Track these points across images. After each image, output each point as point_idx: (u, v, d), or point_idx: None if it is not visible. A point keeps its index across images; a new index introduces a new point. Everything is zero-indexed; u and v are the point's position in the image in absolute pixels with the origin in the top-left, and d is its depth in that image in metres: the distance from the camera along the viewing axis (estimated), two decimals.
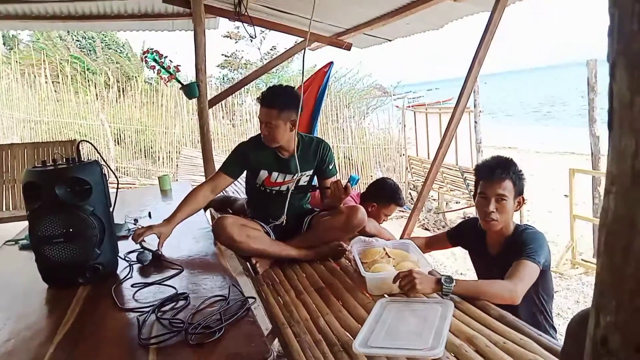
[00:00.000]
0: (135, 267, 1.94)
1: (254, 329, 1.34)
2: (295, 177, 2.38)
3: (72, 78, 11.64)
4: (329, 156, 2.44)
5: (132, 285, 1.72)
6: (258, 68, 6.02)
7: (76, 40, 13.98)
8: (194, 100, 4.34)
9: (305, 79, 4.34)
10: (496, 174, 1.90)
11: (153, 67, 3.95)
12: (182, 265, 1.90)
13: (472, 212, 2.26)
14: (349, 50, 5.16)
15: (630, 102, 0.39)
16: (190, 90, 4.12)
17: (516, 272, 1.72)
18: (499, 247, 1.98)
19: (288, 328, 1.64)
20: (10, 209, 4.26)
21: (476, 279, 2.14)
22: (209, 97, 4.34)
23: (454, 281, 1.67)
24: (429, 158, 9.02)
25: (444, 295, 1.68)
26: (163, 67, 3.93)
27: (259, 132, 2.36)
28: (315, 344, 1.51)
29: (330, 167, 2.45)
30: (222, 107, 11.48)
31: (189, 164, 9.50)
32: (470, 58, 3.46)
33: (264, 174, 2.36)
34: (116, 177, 1.97)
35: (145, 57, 3.92)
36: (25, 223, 1.98)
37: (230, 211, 3.04)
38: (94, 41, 13.92)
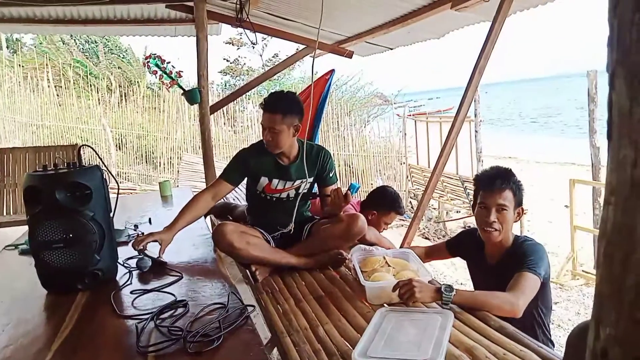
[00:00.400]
0: (135, 273, 1.93)
1: (252, 337, 1.33)
2: (295, 184, 2.38)
3: (74, 82, 11.69)
4: (329, 164, 2.44)
5: (131, 292, 1.72)
6: (260, 75, 6.05)
7: (79, 44, 14.05)
8: (196, 106, 4.36)
9: (306, 87, 4.35)
10: (497, 184, 1.90)
11: (155, 72, 3.97)
12: (182, 272, 1.90)
13: (473, 221, 2.26)
14: (351, 58, 5.18)
15: (629, 111, 0.39)
16: (192, 96, 4.13)
17: (518, 284, 1.70)
18: (498, 258, 1.97)
19: (287, 337, 1.63)
20: (11, 213, 4.26)
21: (473, 290, 2.13)
22: (210, 103, 4.35)
23: (454, 290, 1.67)
24: (429, 167, 9.02)
25: (444, 304, 1.67)
26: (165, 73, 3.94)
27: (261, 138, 2.36)
28: (314, 354, 1.49)
29: (331, 175, 2.45)
30: (223, 113, 11.51)
31: (190, 170, 9.50)
32: (471, 68, 3.47)
33: (264, 180, 2.36)
34: (117, 182, 1.97)
35: (148, 62, 3.94)
36: (25, 228, 1.98)
37: (231, 218, 3.04)
38: (96, 46, 13.99)
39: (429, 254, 2.37)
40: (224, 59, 16.29)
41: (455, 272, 6.01)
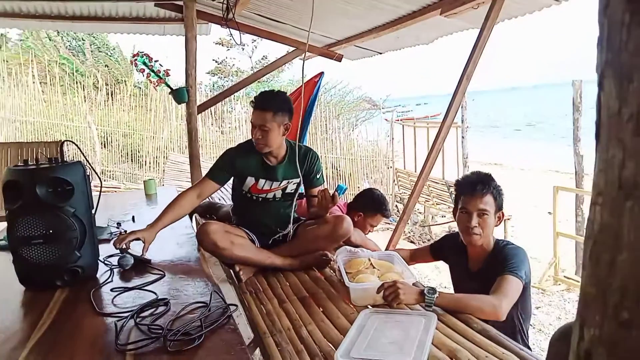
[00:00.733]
0: (116, 271, 1.90)
1: (234, 337, 1.32)
2: (282, 184, 2.37)
3: (60, 79, 11.53)
4: (316, 165, 2.43)
5: (111, 290, 1.69)
6: (249, 75, 6.02)
7: (66, 41, 13.87)
8: (183, 106, 4.32)
9: (295, 89, 4.35)
10: (477, 189, 1.91)
11: (142, 71, 3.93)
12: (164, 270, 1.87)
13: None
14: (340, 61, 5.20)
15: (618, 112, 0.39)
16: (179, 95, 4.10)
17: (500, 287, 1.71)
18: (479, 263, 1.98)
19: (270, 337, 1.62)
20: None
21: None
22: (198, 103, 4.32)
23: (437, 293, 1.67)
24: (415, 171, 9.08)
25: (427, 306, 1.67)
26: (153, 71, 3.90)
27: (249, 138, 2.35)
28: (297, 354, 1.49)
29: (318, 177, 2.44)
30: (211, 113, 11.46)
31: (176, 170, 9.44)
32: (459, 74, 3.50)
33: (250, 180, 2.34)
34: (100, 178, 1.94)
35: (135, 60, 3.90)
36: (4, 223, 1.93)
37: (215, 218, 3.01)
38: (83, 43, 13.83)
39: (414, 257, 2.38)
40: (213, 59, 16.23)
41: (439, 276, 6.04)
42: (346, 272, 1.97)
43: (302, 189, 2.47)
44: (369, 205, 2.84)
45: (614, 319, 0.40)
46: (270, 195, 2.38)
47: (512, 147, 22.44)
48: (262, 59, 15.88)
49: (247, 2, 3.87)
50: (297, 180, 2.40)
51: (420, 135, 9.58)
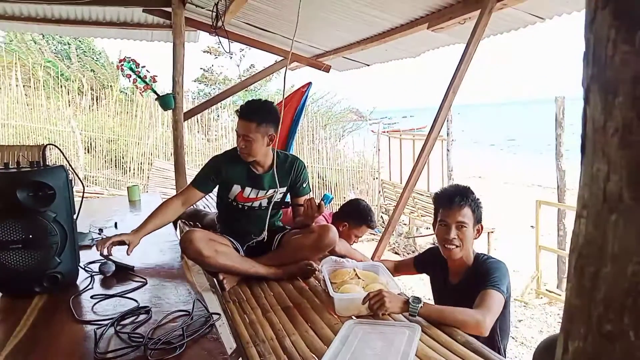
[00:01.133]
0: (97, 278, 1.87)
1: (216, 346, 1.30)
2: (268, 193, 2.36)
3: (44, 83, 11.38)
4: (303, 174, 2.43)
5: (91, 297, 1.66)
6: (236, 84, 6.02)
7: (51, 45, 13.73)
8: (169, 113, 4.29)
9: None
10: (455, 202, 1.93)
11: (129, 76, 3.89)
12: (146, 277, 1.85)
13: None
14: (328, 72, 5.22)
15: (603, 126, 0.39)
16: (165, 102, 4.07)
17: (484, 302, 1.71)
18: (460, 276, 1.98)
19: (252, 347, 1.60)
20: None
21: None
22: (184, 110, 4.30)
23: (422, 302, 1.67)
24: (401, 183, 9.13)
25: (411, 315, 1.67)
26: (139, 77, 3.87)
27: (235, 146, 2.34)
28: None
29: (304, 186, 2.44)
30: (197, 121, 11.41)
31: (161, 177, 9.34)
32: (445, 88, 3.53)
33: (236, 189, 2.33)
34: (82, 183, 1.91)
35: (122, 65, 3.86)
36: None
37: (200, 226, 2.98)
38: (69, 47, 13.69)
39: (398, 269, 2.38)
40: (201, 68, 16.21)
41: (423, 287, 6.04)
42: (331, 282, 1.97)
43: (288, 198, 2.46)
44: (355, 215, 2.84)
45: (598, 330, 0.40)
46: (256, 203, 2.36)
47: (496, 161, 22.71)
48: (250, 67, 15.90)
49: (236, 11, 3.87)
50: (284, 189, 2.39)
51: (405, 148, 9.65)
